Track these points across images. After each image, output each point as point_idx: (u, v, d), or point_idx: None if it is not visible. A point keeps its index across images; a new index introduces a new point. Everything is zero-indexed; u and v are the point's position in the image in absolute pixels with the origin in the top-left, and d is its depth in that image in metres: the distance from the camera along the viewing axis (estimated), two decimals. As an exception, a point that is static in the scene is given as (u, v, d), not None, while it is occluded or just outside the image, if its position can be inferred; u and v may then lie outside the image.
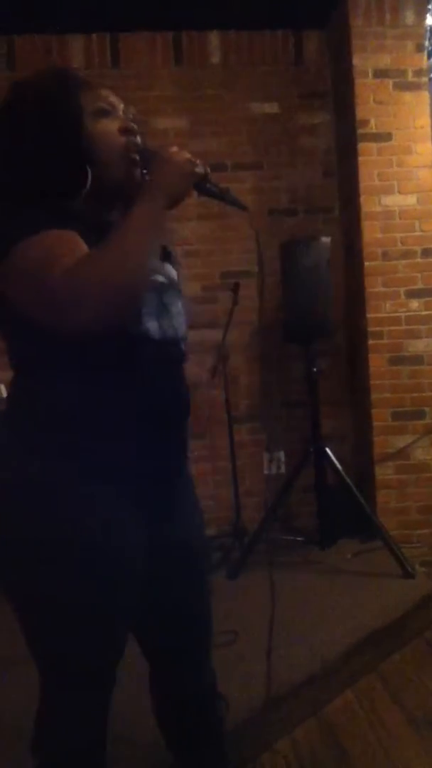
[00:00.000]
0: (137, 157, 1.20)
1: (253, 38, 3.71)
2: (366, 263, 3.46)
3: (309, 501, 3.51)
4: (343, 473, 3.19)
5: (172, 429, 1.27)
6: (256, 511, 3.52)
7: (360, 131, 3.44)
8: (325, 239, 3.26)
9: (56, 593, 1.18)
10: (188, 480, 1.39)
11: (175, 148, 1.18)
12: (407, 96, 3.47)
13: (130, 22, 3.55)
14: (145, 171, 1.20)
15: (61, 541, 1.16)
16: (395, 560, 3.01)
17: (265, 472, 3.76)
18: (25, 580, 1.20)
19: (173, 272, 1.31)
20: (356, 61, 3.43)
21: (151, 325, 1.19)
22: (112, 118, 1.21)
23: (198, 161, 1.19)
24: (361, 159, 3.45)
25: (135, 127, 1.22)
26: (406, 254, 3.47)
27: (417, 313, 3.47)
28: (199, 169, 1.19)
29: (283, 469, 3.73)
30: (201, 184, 1.22)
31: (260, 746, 2.06)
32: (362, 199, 3.45)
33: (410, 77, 3.47)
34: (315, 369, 3.31)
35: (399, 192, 3.47)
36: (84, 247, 1.09)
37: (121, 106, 1.24)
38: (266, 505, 3.45)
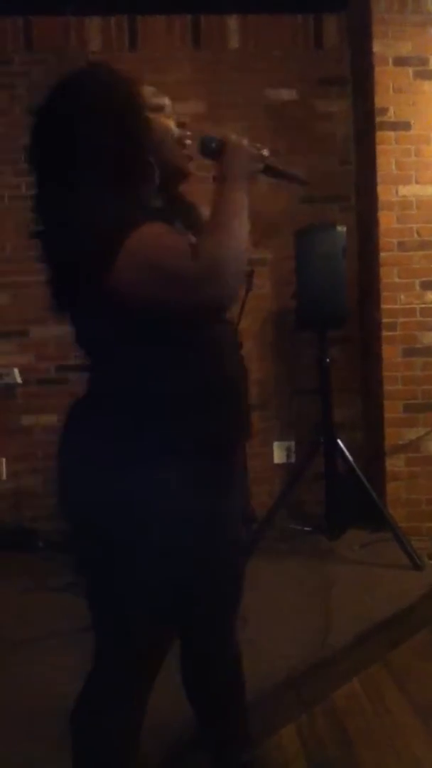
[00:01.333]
0: (187, 151, 1.32)
1: (272, 22, 3.68)
2: (381, 253, 3.43)
3: (318, 489, 3.51)
4: (353, 464, 3.18)
5: (243, 403, 1.38)
6: (265, 498, 3.53)
7: (378, 119, 3.40)
8: (341, 228, 3.24)
9: (132, 570, 1.24)
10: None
11: (234, 136, 1.29)
12: (427, 85, 3.42)
13: (148, 4, 3.53)
14: (212, 158, 1.30)
15: (149, 517, 1.24)
16: (404, 552, 3.01)
17: (275, 460, 3.77)
18: (103, 554, 1.26)
19: None
20: (376, 47, 3.39)
21: None
22: (165, 114, 1.33)
23: (259, 145, 1.30)
24: (379, 148, 3.41)
25: (185, 122, 1.35)
26: (423, 245, 3.44)
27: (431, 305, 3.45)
28: (264, 152, 1.31)
29: (293, 458, 3.73)
30: (266, 166, 1.33)
31: (266, 732, 2.07)
32: (379, 188, 3.42)
33: (431, 65, 3.42)
34: (327, 359, 3.30)
35: (417, 182, 3.43)
36: (178, 235, 1.21)
37: (168, 103, 1.35)
38: (275, 493, 3.45)
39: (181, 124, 1.33)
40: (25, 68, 3.60)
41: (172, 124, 1.32)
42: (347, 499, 3.30)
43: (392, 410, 3.46)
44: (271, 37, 3.69)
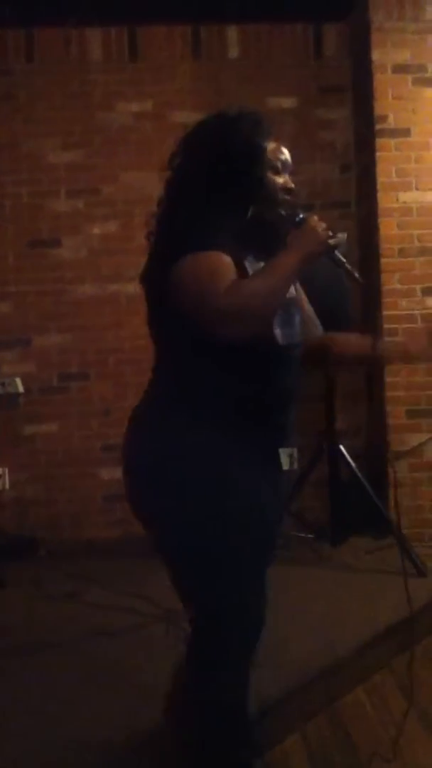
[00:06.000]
0: (283, 213, 1.53)
1: (272, 32, 3.70)
2: (382, 260, 3.44)
3: (321, 496, 3.50)
4: (356, 470, 3.18)
5: (287, 410, 1.70)
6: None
7: (378, 127, 3.42)
8: (342, 235, 3.24)
9: (223, 549, 1.52)
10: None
11: (316, 218, 1.49)
12: (426, 92, 3.44)
13: (148, 15, 3.55)
14: (289, 228, 1.51)
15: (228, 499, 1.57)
16: (408, 558, 2.99)
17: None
18: (202, 540, 1.52)
19: (293, 289, 1.61)
20: (375, 56, 3.41)
21: (277, 333, 1.52)
22: (279, 175, 1.56)
23: (331, 233, 1.49)
24: (379, 155, 3.42)
25: (293, 188, 1.57)
26: (423, 251, 3.44)
27: (433, 310, 3.45)
28: (332, 241, 1.49)
29: (296, 465, 3.70)
30: (329, 253, 1.51)
31: (271, 740, 2.06)
32: (380, 195, 3.43)
33: (429, 73, 3.44)
34: (330, 365, 3.30)
35: (417, 188, 3.44)
36: (233, 273, 1.43)
37: (288, 162, 1.58)
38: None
39: (290, 192, 1.56)
40: (26, 79, 3.62)
41: (280, 183, 1.55)
42: (350, 506, 3.29)
43: (395, 416, 3.46)
44: (271, 46, 3.71)
